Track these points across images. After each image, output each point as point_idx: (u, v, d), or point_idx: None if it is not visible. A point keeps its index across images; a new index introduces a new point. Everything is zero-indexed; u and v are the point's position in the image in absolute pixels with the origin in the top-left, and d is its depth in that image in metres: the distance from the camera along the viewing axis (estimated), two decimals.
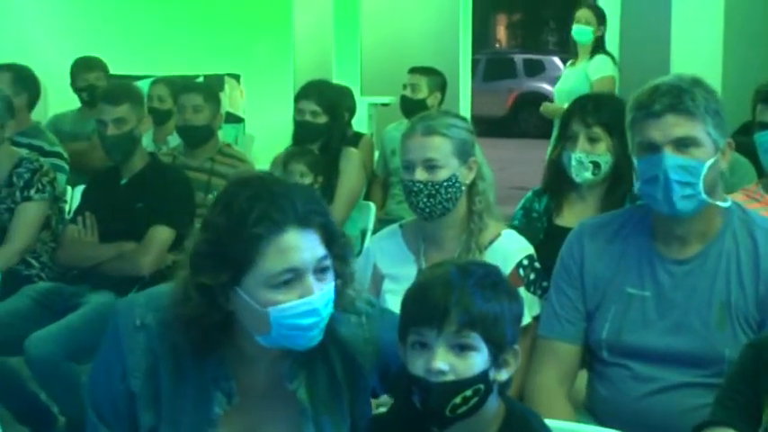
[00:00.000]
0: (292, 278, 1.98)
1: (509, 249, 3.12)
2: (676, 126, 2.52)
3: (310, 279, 1.99)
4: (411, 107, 6.11)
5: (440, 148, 3.09)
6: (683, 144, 2.53)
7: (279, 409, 2.13)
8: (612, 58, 7.03)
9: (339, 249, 2.07)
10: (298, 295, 1.98)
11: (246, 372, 2.12)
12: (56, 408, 4.25)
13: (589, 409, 2.80)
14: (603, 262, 2.74)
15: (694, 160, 2.53)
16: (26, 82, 5.65)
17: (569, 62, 7.42)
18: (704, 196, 2.56)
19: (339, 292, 2.08)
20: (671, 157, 2.53)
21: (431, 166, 3.09)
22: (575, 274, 2.78)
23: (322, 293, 2.01)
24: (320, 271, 2.02)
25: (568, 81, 7.09)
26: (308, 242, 1.99)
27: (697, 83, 2.57)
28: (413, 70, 6.36)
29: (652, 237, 2.70)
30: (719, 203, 2.64)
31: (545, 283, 3.09)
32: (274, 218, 1.96)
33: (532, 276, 3.10)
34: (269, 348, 2.06)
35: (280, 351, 2.09)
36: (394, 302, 2.34)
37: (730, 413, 2.19)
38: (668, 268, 2.65)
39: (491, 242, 3.13)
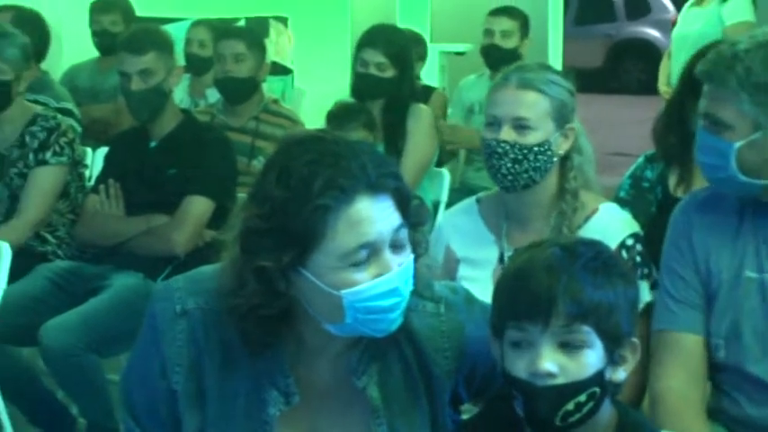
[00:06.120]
0: (367, 255, 1.99)
1: (609, 227, 3.10)
2: (711, 101, 2.62)
3: (387, 254, 2.01)
4: (500, 57, 6.08)
5: (535, 106, 3.08)
6: (713, 122, 2.62)
7: (346, 409, 2.16)
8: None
9: (413, 216, 2.09)
10: (374, 274, 2.00)
11: (307, 366, 2.14)
12: (75, 408, 4.32)
13: (715, 419, 2.81)
14: (716, 238, 2.75)
15: (722, 140, 2.60)
16: (31, 25, 5.69)
17: (691, 2, 7.33)
18: (743, 178, 2.61)
19: (414, 269, 2.08)
20: (700, 135, 2.68)
21: (521, 125, 3.07)
22: (687, 253, 2.79)
23: (401, 269, 2.02)
24: (397, 243, 2.03)
25: (694, 24, 7.01)
26: (383, 211, 2.01)
27: (760, 47, 2.57)
28: (498, 12, 6.33)
29: None
30: None
31: (646, 270, 3.08)
32: (342, 185, 1.97)
33: (638, 259, 3.09)
34: (335, 338, 2.09)
35: (346, 342, 2.12)
36: (471, 291, 2.35)
37: None
38: None
39: (587, 219, 3.13)
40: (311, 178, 1.97)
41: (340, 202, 1.97)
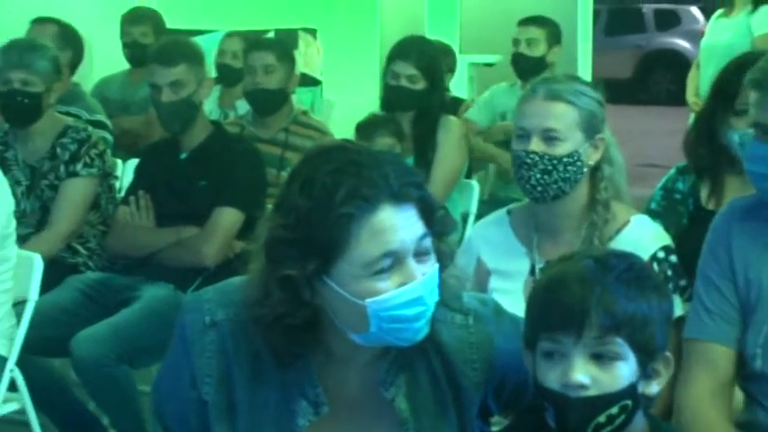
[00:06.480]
0: (391, 264, 2.00)
1: (641, 239, 3.09)
2: (761, 110, 2.58)
3: (411, 263, 2.02)
4: (528, 66, 6.10)
5: (563, 117, 3.08)
6: (764, 131, 2.58)
7: (374, 420, 2.16)
8: None
9: (438, 226, 2.09)
10: (398, 283, 2.01)
11: (335, 377, 2.15)
12: (106, 419, 4.33)
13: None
14: (757, 247, 2.71)
15: None
16: (71, 39, 5.74)
17: (719, 12, 7.30)
18: None
19: (440, 280, 2.09)
20: (750, 145, 2.64)
21: (550, 137, 3.07)
22: (724, 262, 2.74)
23: (426, 278, 2.03)
24: (421, 252, 2.04)
25: (723, 35, 6.98)
26: (406, 220, 2.02)
27: None
28: (527, 21, 6.33)
29: None
30: None
31: (682, 282, 3.07)
32: (365, 194, 1.99)
33: (669, 272, 3.08)
34: (362, 348, 2.09)
35: (374, 352, 2.12)
36: (503, 303, 2.35)
37: None
38: None
39: (618, 231, 3.12)
40: (334, 188, 1.99)
41: (363, 210, 1.99)
